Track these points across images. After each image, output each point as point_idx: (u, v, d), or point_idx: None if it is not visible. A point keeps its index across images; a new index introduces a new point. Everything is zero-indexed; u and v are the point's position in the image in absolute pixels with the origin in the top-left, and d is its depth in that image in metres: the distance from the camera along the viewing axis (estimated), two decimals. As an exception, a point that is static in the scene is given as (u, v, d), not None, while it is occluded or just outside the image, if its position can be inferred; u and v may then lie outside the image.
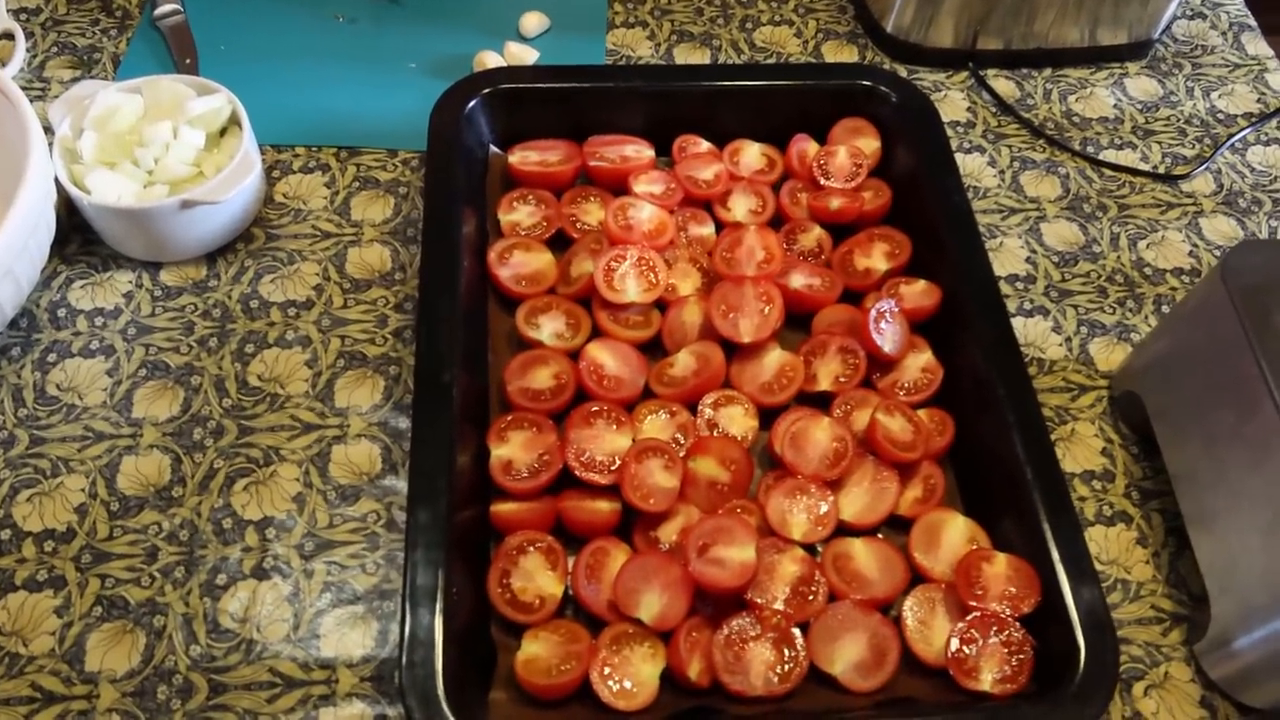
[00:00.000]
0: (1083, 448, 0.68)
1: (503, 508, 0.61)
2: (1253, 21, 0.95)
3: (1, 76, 0.67)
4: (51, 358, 0.68)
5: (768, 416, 0.66)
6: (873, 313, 0.67)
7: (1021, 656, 0.55)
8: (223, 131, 0.75)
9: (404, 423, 0.66)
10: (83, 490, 0.63)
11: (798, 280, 0.70)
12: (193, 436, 0.65)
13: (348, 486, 0.64)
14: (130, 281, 0.72)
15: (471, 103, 0.75)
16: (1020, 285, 0.76)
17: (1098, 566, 0.63)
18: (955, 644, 0.56)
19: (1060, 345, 0.73)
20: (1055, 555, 0.57)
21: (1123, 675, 0.60)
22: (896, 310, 0.68)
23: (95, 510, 0.62)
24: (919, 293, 0.70)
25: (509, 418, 0.63)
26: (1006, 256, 0.78)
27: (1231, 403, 0.59)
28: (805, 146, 0.78)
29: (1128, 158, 0.84)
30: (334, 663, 0.58)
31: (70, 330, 0.69)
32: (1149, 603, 0.63)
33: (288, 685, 0.57)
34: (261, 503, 0.63)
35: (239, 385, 0.67)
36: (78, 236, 0.73)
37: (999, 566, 0.58)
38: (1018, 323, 0.74)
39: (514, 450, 0.62)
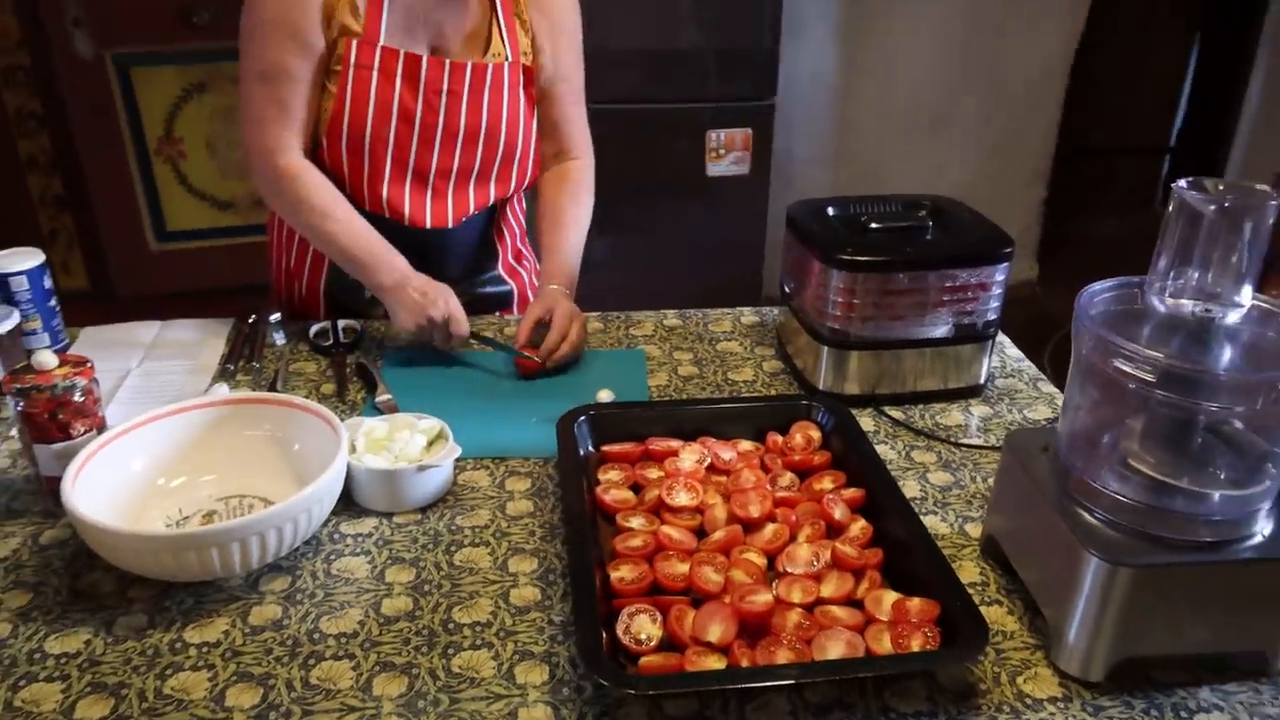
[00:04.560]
0: (966, 573, 1.11)
1: (618, 601, 1.02)
2: (1044, 376, 1.54)
3: (326, 411, 1.21)
4: (332, 556, 1.12)
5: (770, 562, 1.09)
6: (826, 499, 1.14)
7: (930, 635, 0.94)
8: (431, 443, 1.26)
9: (558, 561, 1.09)
10: (360, 616, 1.03)
11: (780, 491, 1.18)
12: (423, 589, 1.07)
13: (523, 607, 1.05)
14: (375, 522, 1.18)
15: (580, 419, 1.28)
16: (916, 503, 1.23)
17: (986, 626, 1.02)
18: (894, 636, 0.94)
19: (947, 529, 1.18)
20: (949, 593, 0.98)
21: (1008, 671, 0.97)
22: (839, 499, 1.15)
23: (370, 623, 1.02)
24: (851, 493, 1.17)
25: (617, 559, 1.07)
26: (908, 488, 1.26)
27: (1034, 522, 1.04)
28: (776, 436, 1.30)
29: (975, 440, 1.36)
30: (525, 686, 0.94)
31: (341, 544, 1.14)
32: (1020, 640, 1.01)
33: (496, 698, 0.93)
34: (470, 614, 1.03)
35: (449, 563, 1.11)
36: (341, 502, 1.21)
37: (916, 603, 0.99)
38: (920, 519, 1.19)
39: (623, 571, 1.05)
